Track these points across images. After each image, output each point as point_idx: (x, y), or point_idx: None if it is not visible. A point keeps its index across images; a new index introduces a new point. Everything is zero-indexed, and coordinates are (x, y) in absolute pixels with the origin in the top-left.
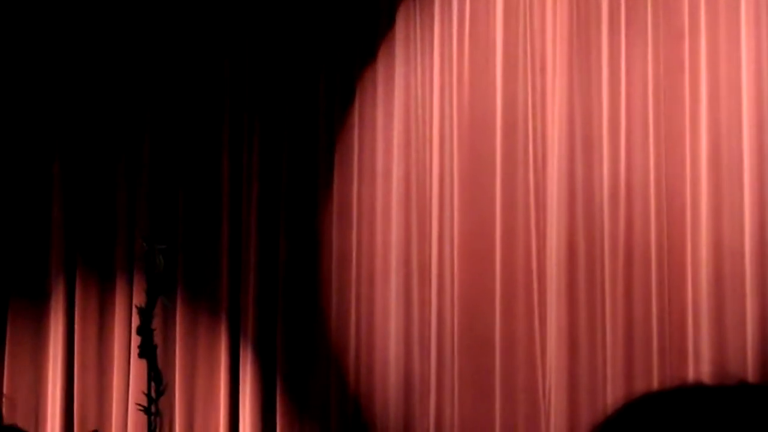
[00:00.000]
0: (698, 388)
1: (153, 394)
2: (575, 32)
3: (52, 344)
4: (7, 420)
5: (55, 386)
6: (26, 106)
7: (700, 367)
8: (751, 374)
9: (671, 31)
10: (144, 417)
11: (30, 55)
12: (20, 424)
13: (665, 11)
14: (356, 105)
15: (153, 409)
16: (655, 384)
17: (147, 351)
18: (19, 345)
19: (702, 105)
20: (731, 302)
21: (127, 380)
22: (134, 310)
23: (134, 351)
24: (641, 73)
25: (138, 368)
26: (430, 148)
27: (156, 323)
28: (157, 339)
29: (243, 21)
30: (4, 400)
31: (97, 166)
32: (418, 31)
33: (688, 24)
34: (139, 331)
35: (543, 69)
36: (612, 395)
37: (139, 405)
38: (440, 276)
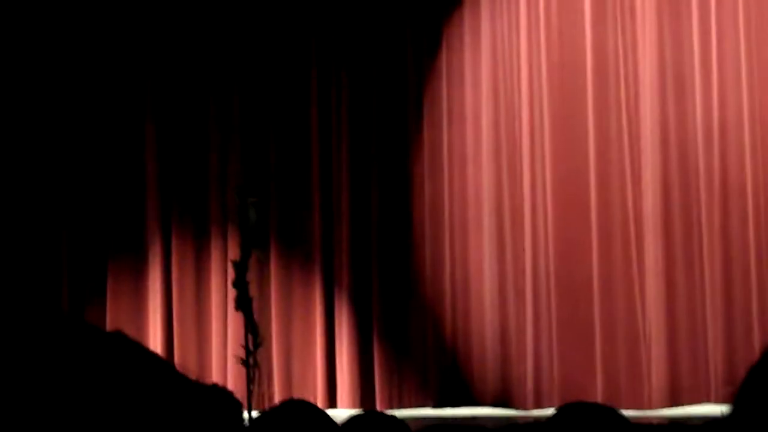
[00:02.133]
0: None
1: (251, 346)
2: None
3: (151, 298)
4: None
5: (155, 339)
6: (119, 63)
7: None
8: None
9: None
10: (243, 368)
11: (121, 15)
12: None
13: None
14: (443, 52)
15: (251, 360)
16: (755, 325)
17: (243, 304)
18: (118, 300)
19: None
20: None
21: (225, 333)
22: (229, 264)
23: (231, 304)
24: (731, 10)
25: (235, 321)
26: (519, 92)
27: (251, 276)
28: (253, 291)
29: None
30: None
31: (189, 122)
32: None
33: None
34: (234, 284)
35: (632, 9)
36: (712, 336)
37: (238, 357)
38: (534, 222)
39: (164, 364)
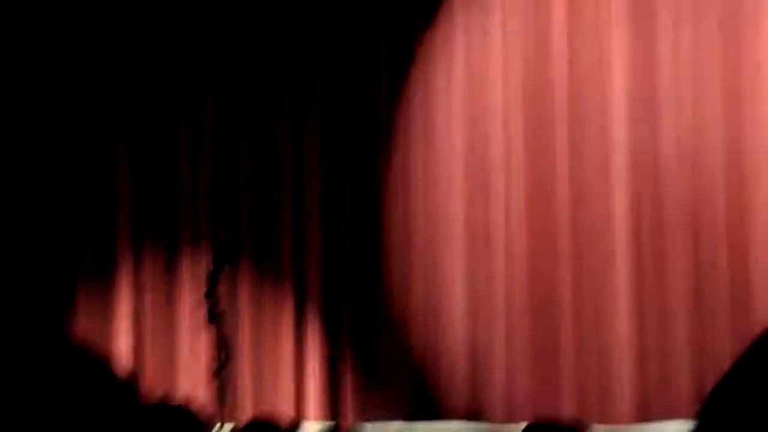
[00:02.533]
0: None
1: (221, 359)
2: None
3: (121, 310)
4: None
5: (125, 351)
6: (89, 77)
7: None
8: None
9: None
10: (214, 381)
11: (93, 26)
12: None
13: None
14: (417, 68)
15: (222, 373)
16: (725, 340)
17: (214, 317)
18: (88, 311)
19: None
20: None
21: (196, 345)
22: (201, 277)
23: (203, 317)
24: (706, 31)
25: (206, 334)
26: (492, 109)
27: (222, 289)
28: (224, 305)
29: None
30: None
31: (160, 134)
32: None
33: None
34: (206, 297)
35: (607, 27)
36: (681, 352)
37: (209, 369)
38: (506, 239)
39: (125, 387)
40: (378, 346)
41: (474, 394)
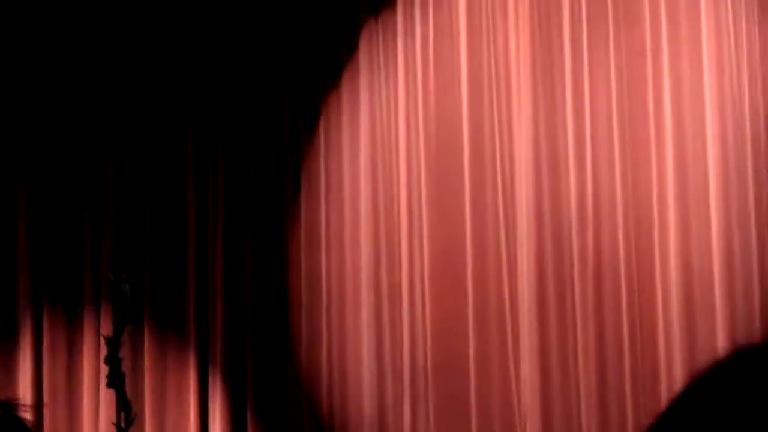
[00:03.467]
0: None
1: (122, 424)
2: (538, 51)
3: (21, 376)
4: None
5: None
6: None
7: (673, 386)
8: None
9: (633, 49)
10: None
11: None
12: None
13: (626, 28)
14: (321, 129)
15: None
16: (628, 401)
17: (115, 380)
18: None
19: (666, 121)
20: (702, 320)
21: (97, 410)
22: (102, 340)
23: (103, 381)
24: (605, 92)
25: (108, 398)
26: (397, 170)
27: (124, 353)
28: (126, 368)
29: (207, 45)
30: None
31: (61, 196)
32: (382, 55)
33: (650, 41)
34: (106, 361)
35: (508, 89)
36: (586, 416)
37: None
38: (411, 299)
39: None
40: (284, 406)
41: None
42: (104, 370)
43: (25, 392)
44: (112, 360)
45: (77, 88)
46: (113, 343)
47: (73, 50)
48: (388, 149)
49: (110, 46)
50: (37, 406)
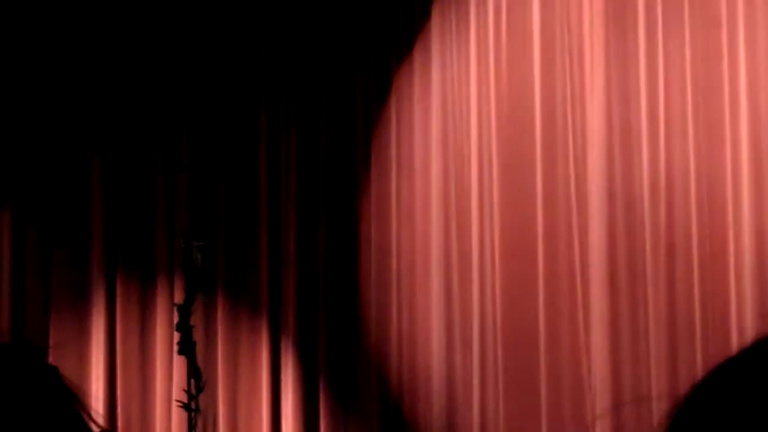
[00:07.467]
0: None
1: (193, 391)
2: (612, 22)
3: (94, 343)
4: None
5: (98, 385)
6: (65, 106)
7: None
8: None
9: (708, 20)
10: (186, 413)
11: (66, 54)
12: None
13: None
14: (393, 100)
15: (193, 405)
16: (698, 376)
17: (186, 347)
18: (61, 344)
19: (741, 93)
20: None
21: (169, 377)
22: (175, 308)
23: (175, 348)
24: (679, 63)
25: (180, 365)
26: (468, 142)
27: (196, 320)
28: (199, 336)
29: (280, 18)
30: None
31: (135, 165)
32: (454, 25)
33: (725, 12)
34: (177, 328)
35: (581, 60)
36: (656, 389)
37: (179, 401)
38: (481, 272)
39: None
40: (354, 376)
41: (450, 424)
42: (176, 337)
43: (98, 359)
44: (184, 327)
45: (149, 59)
46: (184, 311)
47: (149, 27)
48: (459, 121)
49: (184, 19)
50: (110, 374)
